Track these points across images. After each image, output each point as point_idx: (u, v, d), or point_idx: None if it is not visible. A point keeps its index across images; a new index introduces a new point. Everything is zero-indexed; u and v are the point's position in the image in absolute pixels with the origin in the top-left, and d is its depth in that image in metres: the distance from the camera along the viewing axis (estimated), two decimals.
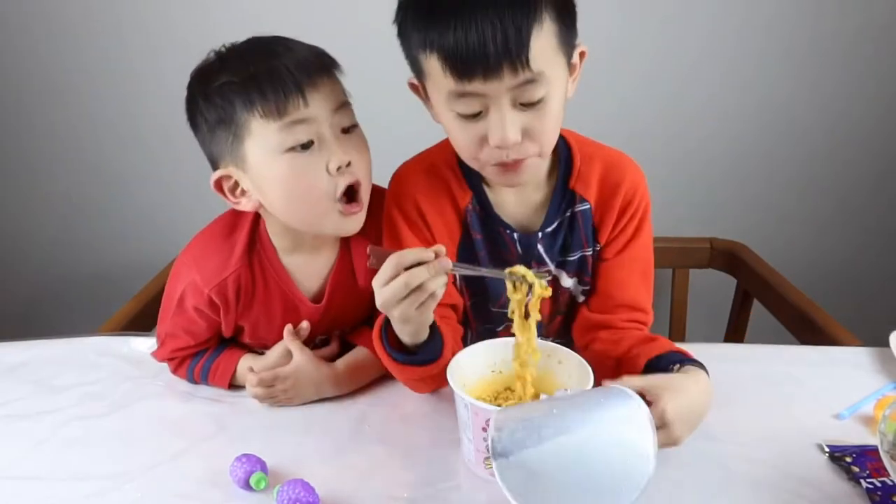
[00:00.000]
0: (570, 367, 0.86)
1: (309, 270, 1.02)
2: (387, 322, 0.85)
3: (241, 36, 0.92)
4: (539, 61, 0.77)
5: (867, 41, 1.76)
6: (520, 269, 0.82)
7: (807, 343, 1.20)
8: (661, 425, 0.74)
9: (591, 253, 0.98)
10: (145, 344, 1.13)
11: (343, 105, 0.92)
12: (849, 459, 0.84)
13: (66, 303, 2.12)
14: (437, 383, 0.88)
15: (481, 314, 1.02)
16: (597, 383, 0.79)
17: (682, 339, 1.52)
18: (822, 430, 0.91)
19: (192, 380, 1.05)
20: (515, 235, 0.96)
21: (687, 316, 1.54)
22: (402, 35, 0.83)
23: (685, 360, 0.84)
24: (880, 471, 0.80)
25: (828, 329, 1.19)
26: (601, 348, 0.94)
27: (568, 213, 0.97)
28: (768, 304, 1.39)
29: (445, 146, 0.95)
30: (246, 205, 0.94)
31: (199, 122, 0.91)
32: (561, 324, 1.05)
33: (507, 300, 0.85)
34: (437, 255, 0.76)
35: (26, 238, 2.07)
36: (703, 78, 1.80)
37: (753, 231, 1.71)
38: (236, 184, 0.93)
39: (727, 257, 1.53)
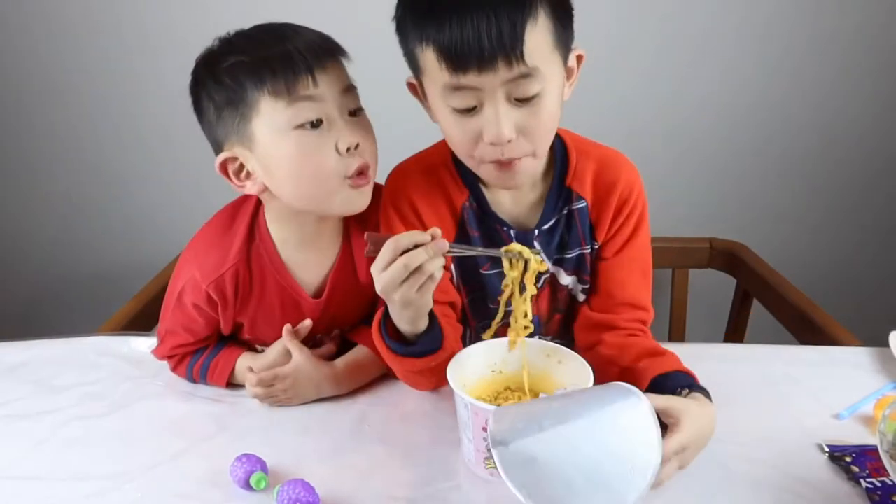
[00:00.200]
0: (570, 367, 0.86)
1: (309, 265, 1.02)
2: (386, 314, 0.85)
3: None
4: (534, 56, 0.77)
5: (866, 40, 1.76)
6: (515, 246, 0.83)
7: (806, 343, 1.20)
8: (679, 450, 0.74)
9: (589, 251, 0.98)
10: (145, 344, 1.13)
11: (350, 88, 0.92)
12: (848, 459, 0.84)
13: (66, 303, 2.12)
14: (436, 378, 0.88)
15: (480, 311, 1.02)
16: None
17: (681, 340, 1.52)
18: (822, 430, 0.91)
19: (191, 378, 1.05)
20: (512, 233, 0.96)
21: (687, 316, 1.54)
22: (401, 31, 0.84)
23: (693, 385, 0.84)
24: (880, 470, 0.80)
25: (827, 329, 1.19)
26: (607, 354, 0.94)
27: (565, 211, 0.97)
28: (768, 303, 1.39)
29: (442, 146, 0.95)
30: (251, 188, 0.94)
31: (205, 105, 0.91)
32: (560, 322, 1.05)
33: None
34: (433, 238, 0.77)
35: (26, 238, 2.07)
36: (703, 77, 1.80)
37: (753, 231, 1.71)
38: (241, 166, 0.92)
39: (727, 257, 1.53)
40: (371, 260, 0.78)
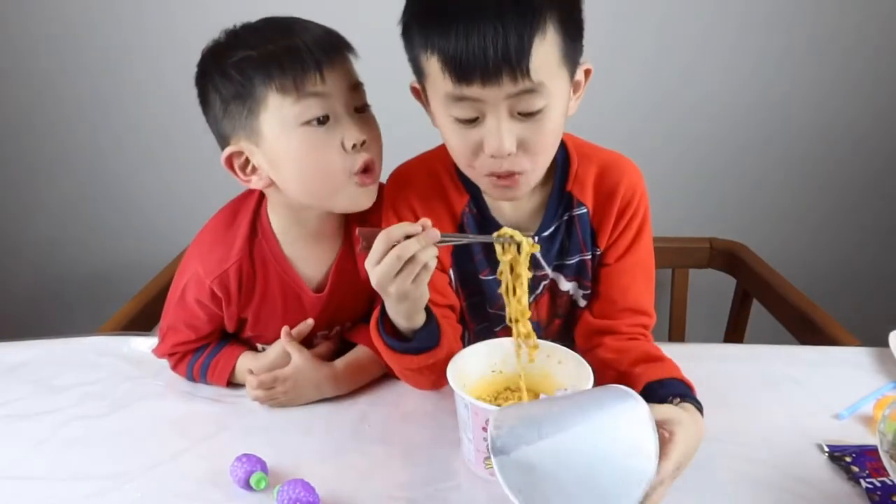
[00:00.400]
0: (570, 367, 0.86)
1: (311, 260, 1.02)
2: (383, 311, 0.85)
3: None
4: (540, 72, 0.76)
5: (867, 40, 1.76)
6: (507, 230, 0.83)
7: (806, 343, 1.20)
8: (675, 470, 0.73)
9: (590, 257, 0.98)
10: (145, 344, 1.13)
11: (357, 85, 0.92)
12: (848, 459, 0.84)
13: (65, 303, 2.12)
14: (434, 376, 0.88)
15: (478, 315, 1.02)
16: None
17: (681, 339, 1.52)
18: (822, 430, 0.91)
19: (191, 377, 1.05)
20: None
21: (687, 316, 1.54)
22: (406, 36, 0.83)
23: (686, 395, 0.83)
24: (880, 470, 0.80)
25: (827, 329, 1.19)
26: (606, 356, 0.94)
27: (565, 217, 0.96)
28: (768, 304, 1.39)
29: (444, 149, 0.94)
30: (257, 182, 0.94)
31: (211, 98, 0.91)
32: (560, 327, 1.05)
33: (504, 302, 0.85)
34: (423, 228, 0.77)
35: (26, 238, 2.07)
36: (703, 77, 1.80)
37: (753, 231, 1.71)
38: (247, 160, 0.93)
39: (727, 257, 1.53)
40: (366, 256, 0.78)
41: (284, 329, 1.01)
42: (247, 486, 0.82)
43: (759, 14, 1.74)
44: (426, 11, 0.79)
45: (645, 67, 1.78)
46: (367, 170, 0.93)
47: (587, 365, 0.84)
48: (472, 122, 0.80)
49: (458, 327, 0.98)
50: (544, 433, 0.66)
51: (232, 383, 1.04)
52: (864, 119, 1.84)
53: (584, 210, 0.96)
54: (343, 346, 1.06)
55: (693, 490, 0.79)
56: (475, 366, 0.89)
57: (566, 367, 0.87)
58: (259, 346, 1.07)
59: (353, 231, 1.02)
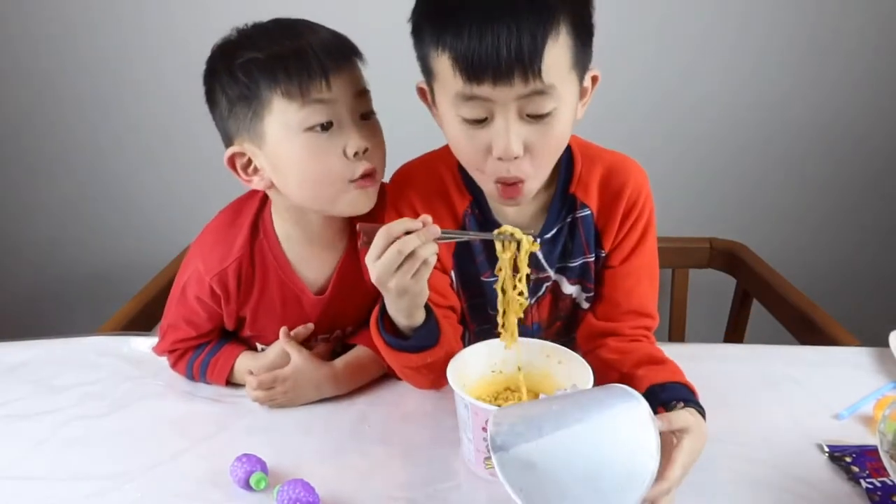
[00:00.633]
0: (570, 367, 0.86)
1: (313, 263, 1.02)
2: (383, 309, 0.85)
3: None
4: (551, 74, 0.76)
5: (867, 40, 1.76)
6: (507, 227, 0.83)
7: (806, 343, 1.20)
8: (681, 478, 0.73)
9: (593, 259, 0.97)
10: (145, 344, 1.13)
11: (363, 91, 0.92)
12: (848, 459, 0.84)
13: (65, 303, 2.12)
14: (433, 375, 0.88)
15: (480, 316, 1.02)
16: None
17: (681, 340, 1.52)
18: (822, 430, 0.91)
19: (191, 375, 1.05)
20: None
21: (687, 316, 1.54)
22: (416, 34, 0.82)
23: (689, 399, 0.83)
24: (880, 471, 0.80)
25: (827, 329, 1.19)
26: (608, 357, 0.93)
27: (568, 219, 0.96)
28: (768, 304, 1.39)
29: (448, 150, 0.94)
30: (258, 183, 0.94)
31: (218, 97, 0.91)
32: (560, 328, 1.05)
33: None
34: (424, 225, 0.77)
35: (26, 238, 2.07)
36: (703, 76, 1.80)
37: (753, 231, 1.71)
38: (249, 161, 0.93)
39: (727, 257, 1.53)
40: (366, 252, 0.78)
41: (283, 329, 1.01)
42: (247, 486, 0.82)
43: (759, 14, 1.74)
44: (438, 9, 0.78)
45: (645, 67, 1.78)
46: (368, 175, 0.92)
47: (587, 365, 0.84)
48: (481, 122, 0.80)
49: (458, 328, 0.98)
50: (545, 431, 0.66)
51: (231, 383, 1.04)
52: (864, 119, 1.84)
53: (588, 212, 0.95)
54: (342, 348, 1.06)
55: (693, 490, 0.79)
56: (475, 366, 0.89)
57: (566, 368, 0.87)
58: (259, 346, 1.07)
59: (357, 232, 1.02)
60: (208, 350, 1.04)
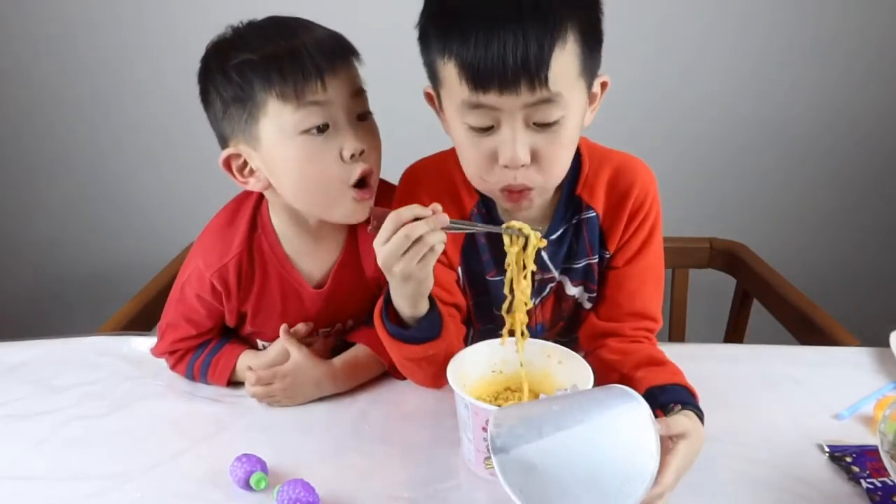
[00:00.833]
0: (570, 367, 0.86)
1: (313, 257, 1.02)
2: (388, 298, 0.85)
3: None
4: (558, 82, 0.75)
5: (868, 41, 1.76)
6: (515, 223, 0.83)
7: (806, 343, 1.20)
8: (675, 482, 0.73)
9: (596, 260, 0.97)
10: (145, 344, 1.12)
11: (359, 92, 0.92)
12: (849, 459, 0.84)
13: (65, 303, 2.12)
14: (433, 370, 0.88)
15: (485, 315, 1.02)
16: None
17: (681, 340, 1.52)
18: (822, 431, 0.91)
19: (191, 376, 1.04)
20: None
21: (687, 316, 1.54)
22: (423, 40, 0.81)
23: (688, 402, 0.83)
24: (880, 471, 0.80)
25: (827, 329, 1.19)
26: (609, 358, 0.93)
27: (574, 221, 0.95)
28: (768, 304, 1.39)
29: None
30: (255, 185, 0.94)
31: (212, 98, 0.90)
32: (562, 328, 1.05)
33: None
34: (433, 213, 0.77)
35: (26, 238, 2.07)
36: (703, 76, 1.80)
37: (753, 231, 1.71)
38: (245, 163, 0.92)
39: (727, 257, 1.53)
40: (375, 237, 0.78)
41: (283, 327, 1.01)
42: (247, 486, 0.82)
43: (759, 14, 1.74)
44: (445, 16, 0.77)
45: (645, 67, 1.78)
46: (365, 181, 0.92)
47: (587, 365, 0.84)
48: (487, 130, 0.79)
49: (462, 328, 0.98)
50: (545, 432, 0.66)
51: (232, 382, 1.03)
52: (864, 119, 1.84)
53: (593, 214, 0.95)
54: (342, 346, 1.06)
55: (693, 490, 0.79)
56: (475, 366, 0.89)
57: (566, 368, 0.87)
58: (260, 344, 1.07)
59: (358, 229, 1.02)
60: (209, 350, 1.04)
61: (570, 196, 0.95)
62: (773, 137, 1.87)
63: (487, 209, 0.95)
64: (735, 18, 1.75)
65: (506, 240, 0.84)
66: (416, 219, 0.76)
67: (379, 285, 0.87)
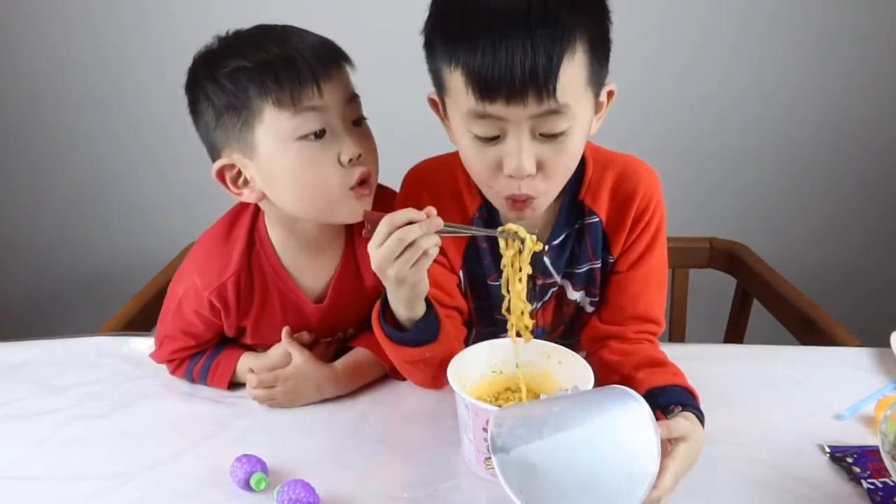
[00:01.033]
0: (571, 367, 0.86)
1: (311, 271, 1.02)
2: (385, 302, 0.85)
3: None
4: (566, 93, 0.74)
5: (870, 42, 1.76)
6: (511, 226, 0.82)
7: (807, 343, 1.20)
8: (673, 486, 0.72)
9: (599, 265, 0.97)
10: (145, 344, 1.12)
11: (353, 97, 0.91)
12: (850, 460, 0.84)
13: (65, 303, 2.12)
14: (431, 372, 0.88)
15: (486, 318, 1.02)
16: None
17: (681, 340, 1.52)
18: (823, 431, 0.91)
19: (191, 380, 1.04)
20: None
21: (687, 316, 1.54)
22: (428, 48, 0.81)
23: (688, 403, 0.82)
24: (881, 471, 0.80)
25: (828, 329, 1.19)
26: (610, 359, 0.93)
27: (576, 226, 0.95)
28: (768, 304, 1.39)
29: None
30: (249, 196, 0.93)
31: (203, 107, 0.89)
32: (564, 331, 1.05)
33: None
34: (428, 216, 0.76)
35: (26, 238, 2.07)
36: (704, 76, 1.80)
37: (753, 231, 1.71)
38: (239, 173, 0.91)
39: (727, 257, 1.53)
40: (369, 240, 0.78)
41: (286, 330, 1.01)
42: (247, 486, 0.82)
43: (759, 14, 1.74)
44: (452, 24, 0.76)
45: (645, 67, 1.78)
46: (364, 182, 0.92)
47: (588, 366, 0.83)
48: (493, 140, 0.78)
49: (462, 329, 0.98)
50: (545, 433, 0.66)
51: (234, 384, 1.03)
52: (863, 119, 1.84)
53: (596, 219, 0.94)
54: (343, 347, 1.06)
55: (693, 490, 0.79)
56: (476, 366, 0.89)
57: (567, 368, 0.87)
58: (260, 350, 1.07)
59: (356, 238, 1.01)
60: (207, 356, 1.04)
61: (572, 201, 0.94)
62: (774, 137, 1.87)
63: (489, 212, 0.95)
64: (735, 18, 1.75)
65: (501, 243, 0.83)
66: (411, 222, 0.76)
67: (379, 294, 0.86)
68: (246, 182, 0.92)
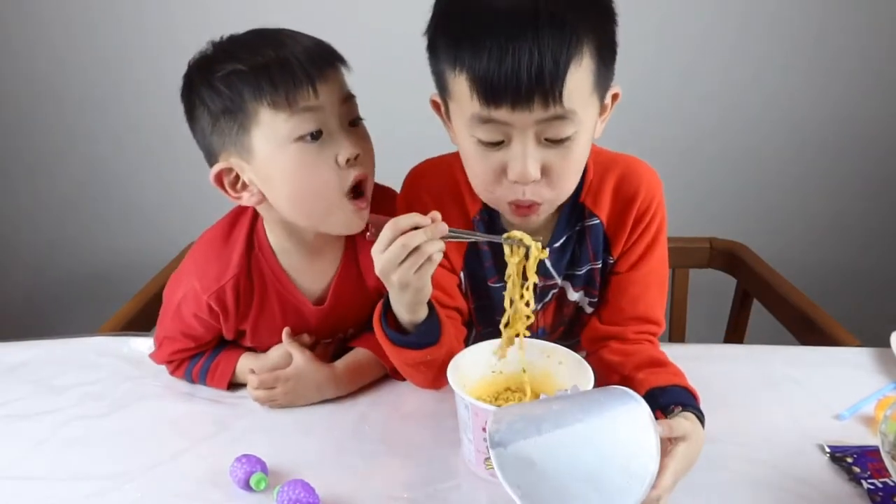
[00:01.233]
0: (571, 367, 0.86)
1: (311, 273, 1.01)
2: (387, 305, 0.85)
3: None
4: (572, 98, 0.74)
5: (871, 42, 1.76)
6: (516, 233, 0.82)
7: (807, 343, 1.20)
8: (672, 485, 0.72)
9: (599, 266, 0.97)
10: (145, 344, 1.12)
11: (349, 97, 0.91)
12: (850, 460, 0.84)
13: (65, 303, 2.12)
14: (432, 374, 0.87)
15: (486, 319, 1.02)
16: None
17: (681, 340, 1.52)
18: (823, 431, 0.91)
19: (191, 380, 1.04)
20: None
21: (687, 316, 1.54)
22: (432, 50, 0.80)
23: (688, 403, 0.82)
24: (881, 471, 0.80)
25: (828, 329, 1.19)
26: (610, 359, 0.93)
27: (577, 227, 0.95)
28: (768, 304, 1.39)
29: None
30: (248, 199, 0.92)
31: (199, 112, 0.89)
32: (564, 332, 1.05)
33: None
34: (433, 221, 0.76)
35: (26, 238, 2.07)
36: (704, 76, 1.80)
37: (753, 231, 1.71)
38: (237, 177, 0.91)
39: (727, 257, 1.53)
40: (373, 244, 0.78)
41: (286, 330, 1.01)
42: (247, 486, 0.81)
43: (760, 13, 1.74)
44: (457, 27, 0.75)
45: (645, 67, 1.78)
46: (360, 189, 0.91)
47: (588, 366, 0.83)
48: (497, 145, 0.78)
49: (462, 330, 0.98)
50: (544, 429, 0.66)
51: (233, 384, 1.03)
52: (863, 119, 1.84)
53: (597, 221, 0.94)
54: (344, 349, 1.06)
55: (693, 490, 0.79)
56: (475, 366, 0.89)
57: (567, 368, 0.87)
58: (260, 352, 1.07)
59: (357, 240, 1.01)
60: (206, 356, 1.03)
61: (573, 204, 0.94)
62: (774, 138, 1.87)
63: (490, 215, 0.95)
64: (735, 18, 1.75)
65: (506, 250, 0.83)
66: (415, 227, 0.75)
67: (380, 295, 0.86)
68: (244, 186, 0.91)
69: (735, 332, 1.53)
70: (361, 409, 0.98)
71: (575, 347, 0.89)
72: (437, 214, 0.77)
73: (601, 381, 0.83)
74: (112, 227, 2.04)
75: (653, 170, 0.97)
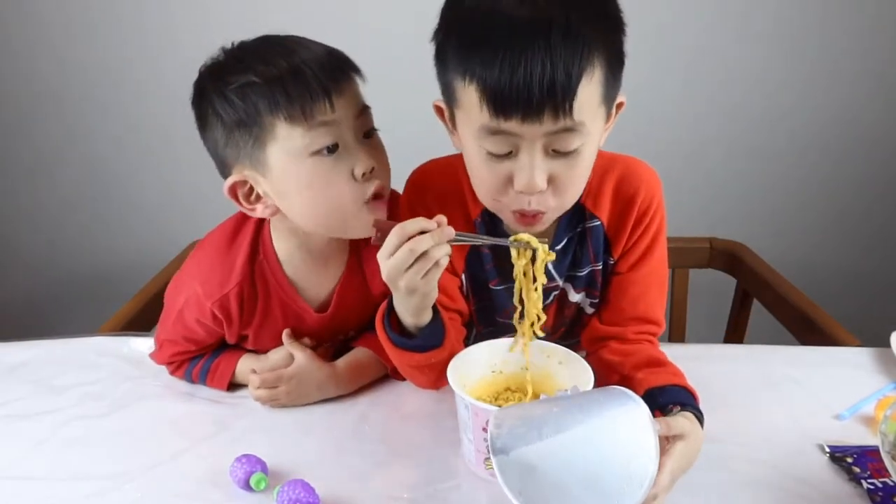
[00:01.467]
0: (571, 367, 0.86)
1: (315, 281, 1.01)
2: (390, 307, 0.85)
3: (242, 36, 0.90)
4: (582, 111, 0.73)
5: (873, 45, 1.76)
6: (523, 235, 0.82)
7: (807, 343, 1.20)
8: (670, 485, 0.73)
9: (600, 267, 0.97)
10: (145, 344, 1.12)
11: (364, 109, 0.90)
12: (850, 460, 0.84)
13: (65, 303, 2.12)
14: (434, 375, 0.87)
15: (487, 320, 1.02)
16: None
17: (681, 340, 1.52)
18: (823, 431, 0.91)
19: (191, 380, 1.04)
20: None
21: (686, 316, 1.54)
22: (440, 58, 0.79)
23: (687, 403, 0.82)
24: (881, 471, 0.80)
25: (828, 329, 1.19)
26: (610, 359, 0.93)
27: (578, 229, 0.95)
28: (768, 304, 1.39)
29: None
30: (262, 211, 0.91)
31: (211, 121, 0.87)
32: (564, 332, 1.05)
33: (513, 311, 0.85)
34: (439, 225, 0.76)
35: (26, 238, 2.07)
36: (705, 78, 1.80)
37: (753, 231, 1.71)
38: (251, 189, 0.90)
39: (727, 257, 1.53)
40: (379, 248, 0.77)
41: (287, 331, 1.01)
42: (247, 486, 0.82)
43: (760, 14, 1.74)
44: (468, 36, 0.74)
45: (646, 69, 1.77)
46: (378, 197, 0.91)
47: (588, 366, 0.84)
48: (505, 155, 0.77)
49: (462, 330, 0.98)
50: (544, 434, 0.66)
51: (233, 385, 1.03)
52: (865, 121, 1.84)
53: (598, 223, 0.94)
54: (345, 349, 1.06)
55: (693, 490, 0.79)
56: (475, 366, 0.89)
57: (567, 368, 0.87)
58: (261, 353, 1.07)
59: (361, 247, 1.01)
60: (206, 357, 1.03)
61: (574, 206, 0.93)
62: (776, 140, 1.87)
63: (492, 218, 0.94)
64: (736, 19, 1.75)
65: (513, 252, 0.83)
66: (422, 232, 0.75)
67: (384, 299, 0.86)
68: (258, 198, 0.91)
69: (735, 333, 1.53)
70: (361, 409, 0.98)
71: (575, 347, 0.89)
72: (443, 218, 0.77)
73: (601, 380, 0.83)
74: (112, 227, 2.04)
75: (652, 170, 0.97)
